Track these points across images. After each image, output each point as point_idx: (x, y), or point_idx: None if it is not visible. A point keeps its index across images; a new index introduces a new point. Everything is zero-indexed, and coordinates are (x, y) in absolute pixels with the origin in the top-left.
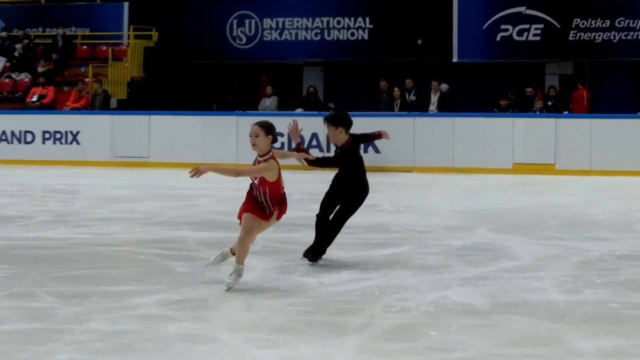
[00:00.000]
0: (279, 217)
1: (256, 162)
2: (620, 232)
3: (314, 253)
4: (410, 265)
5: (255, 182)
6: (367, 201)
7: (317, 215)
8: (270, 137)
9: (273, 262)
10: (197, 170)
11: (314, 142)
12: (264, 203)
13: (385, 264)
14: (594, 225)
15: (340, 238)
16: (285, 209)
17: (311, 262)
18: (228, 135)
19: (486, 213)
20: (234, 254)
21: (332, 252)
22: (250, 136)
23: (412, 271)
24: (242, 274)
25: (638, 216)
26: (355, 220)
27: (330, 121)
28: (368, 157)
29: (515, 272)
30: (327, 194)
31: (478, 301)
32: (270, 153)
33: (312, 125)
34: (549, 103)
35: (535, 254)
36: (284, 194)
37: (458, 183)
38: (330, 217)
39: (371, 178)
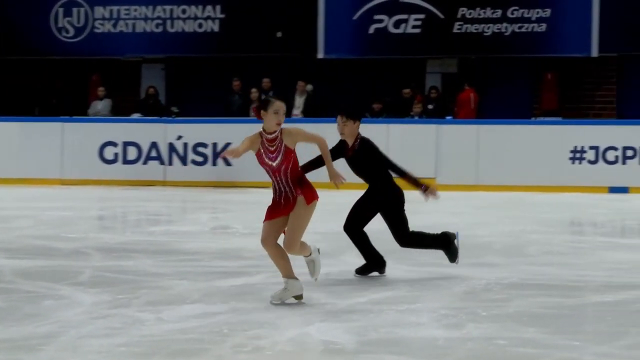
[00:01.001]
0: (309, 200)
1: (266, 142)
2: (510, 257)
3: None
4: (265, 298)
5: (275, 164)
6: (213, 222)
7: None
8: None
9: (104, 295)
10: None
11: (154, 153)
12: (287, 190)
13: (236, 296)
14: (480, 249)
15: (181, 266)
16: (315, 193)
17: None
18: (52, 144)
19: None
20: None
21: (175, 282)
22: (278, 112)
23: (267, 304)
24: (288, 288)
25: (531, 238)
26: (199, 244)
27: (346, 114)
28: (217, 170)
29: (387, 304)
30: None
31: (343, 339)
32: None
33: (152, 133)
34: (429, 107)
35: (412, 283)
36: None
37: (323, 200)
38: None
39: (220, 195)
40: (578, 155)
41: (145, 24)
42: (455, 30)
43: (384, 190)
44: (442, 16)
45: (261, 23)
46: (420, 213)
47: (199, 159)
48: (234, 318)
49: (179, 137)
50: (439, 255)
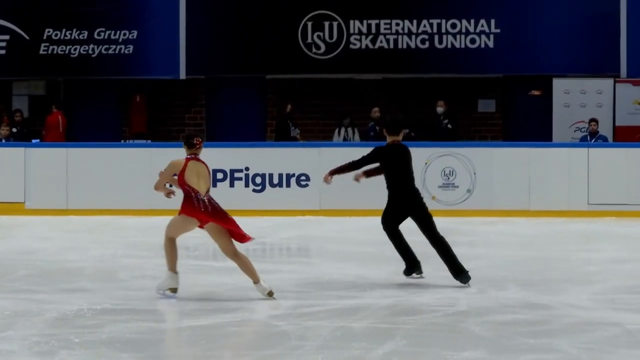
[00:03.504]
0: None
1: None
2: (103, 282)
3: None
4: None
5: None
6: None
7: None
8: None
9: None
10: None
11: None
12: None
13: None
14: (71, 274)
15: None
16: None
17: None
18: None
19: None
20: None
21: None
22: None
23: None
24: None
25: (123, 263)
26: None
27: (389, 129)
28: None
29: None
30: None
31: None
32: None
33: None
34: (14, 130)
35: (2, 310)
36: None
37: None
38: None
39: None
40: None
41: None
42: (41, 52)
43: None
44: (27, 37)
45: None
46: (11, 238)
47: None
48: None
49: None
50: (31, 281)
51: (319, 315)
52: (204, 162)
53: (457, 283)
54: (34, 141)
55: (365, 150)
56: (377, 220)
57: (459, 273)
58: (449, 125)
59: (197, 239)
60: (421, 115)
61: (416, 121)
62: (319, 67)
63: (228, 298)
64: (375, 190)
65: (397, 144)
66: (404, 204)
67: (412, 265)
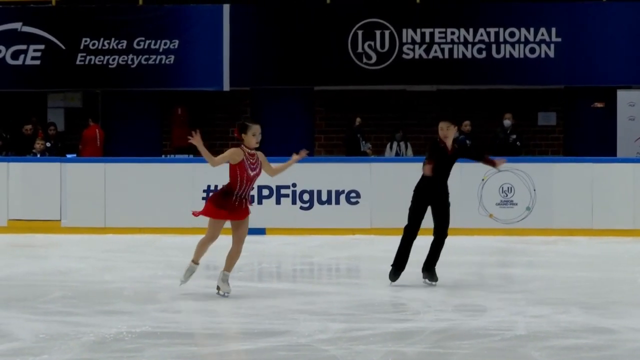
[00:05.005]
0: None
1: (248, 155)
2: (142, 304)
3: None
4: None
5: (252, 174)
6: None
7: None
8: None
9: None
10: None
11: None
12: (245, 197)
13: None
14: (109, 295)
15: None
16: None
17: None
18: None
19: None
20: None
21: None
22: (255, 135)
23: None
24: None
25: (163, 283)
26: None
27: (450, 121)
28: None
29: (12, 356)
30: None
31: None
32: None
33: None
34: (48, 144)
35: (37, 333)
36: None
37: None
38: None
39: None
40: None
41: None
42: (78, 62)
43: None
44: (63, 47)
45: None
46: (46, 258)
47: None
48: None
49: None
50: (67, 303)
51: (370, 340)
52: None
53: (516, 307)
54: (69, 156)
55: (418, 166)
56: (430, 240)
57: (431, 271)
58: (518, 143)
59: (243, 259)
60: (479, 128)
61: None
62: (369, 78)
63: (274, 321)
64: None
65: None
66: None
67: (400, 270)
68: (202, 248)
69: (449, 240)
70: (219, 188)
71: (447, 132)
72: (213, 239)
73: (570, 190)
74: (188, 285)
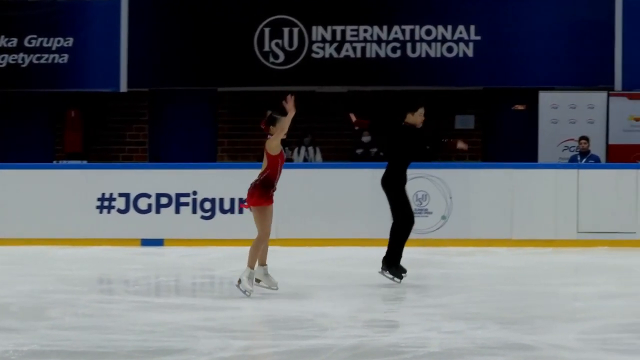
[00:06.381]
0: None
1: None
2: (30, 321)
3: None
4: None
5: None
6: None
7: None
8: None
9: None
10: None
11: None
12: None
13: None
14: None
15: None
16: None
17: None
18: None
19: None
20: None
21: None
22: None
23: None
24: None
25: (53, 298)
26: None
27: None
28: None
29: None
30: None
31: None
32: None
33: None
34: None
35: None
36: None
37: None
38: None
39: None
40: (107, 203)
41: None
42: None
43: None
44: None
45: None
46: None
47: None
48: None
49: None
50: None
51: (273, 358)
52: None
53: (430, 322)
54: None
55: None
56: (340, 250)
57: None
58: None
59: (139, 272)
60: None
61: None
62: (277, 79)
63: (172, 338)
64: (339, 218)
65: None
66: None
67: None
68: (259, 250)
69: (358, 253)
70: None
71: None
72: (269, 234)
73: (488, 198)
74: (79, 300)
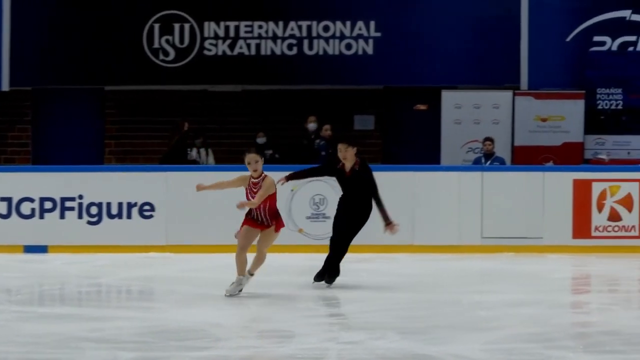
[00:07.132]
0: (277, 229)
1: (251, 184)
2: None
3: (331, 275)
4: None
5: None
6: None
7: (334, 237)
8: (263, 159)
9: None
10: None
11: None
12: (264, 218)
13: None
14: None
15: None
16: (282, 222)
17: (329, 285)
18: None
19: None
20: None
21: None
22: (250, 164)
23: None
24: (242, 284)
25: None
26: None
27: (347, 142)
28: None
29: None
30: (339, 216)
31: None
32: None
33: None
34: None
35: None
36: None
37: None
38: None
39: None
40: None
41: None
42: None
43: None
44: None
45: None
46: None
47: None
48: None
49: None
50: None
51: None
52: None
53: (328, 332)
54: None
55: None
56: (232, 257)
57: (333, 275)
58: (330, 150)
59: (21, 280)
60: (286, 133)
61: (280, 141)
62: (167, 77)
63: (56, 350)
64: (231, 223)
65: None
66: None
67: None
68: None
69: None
70: None
71: (346, 154)
72: (242, 246)
73: (389, 202)
74: None
